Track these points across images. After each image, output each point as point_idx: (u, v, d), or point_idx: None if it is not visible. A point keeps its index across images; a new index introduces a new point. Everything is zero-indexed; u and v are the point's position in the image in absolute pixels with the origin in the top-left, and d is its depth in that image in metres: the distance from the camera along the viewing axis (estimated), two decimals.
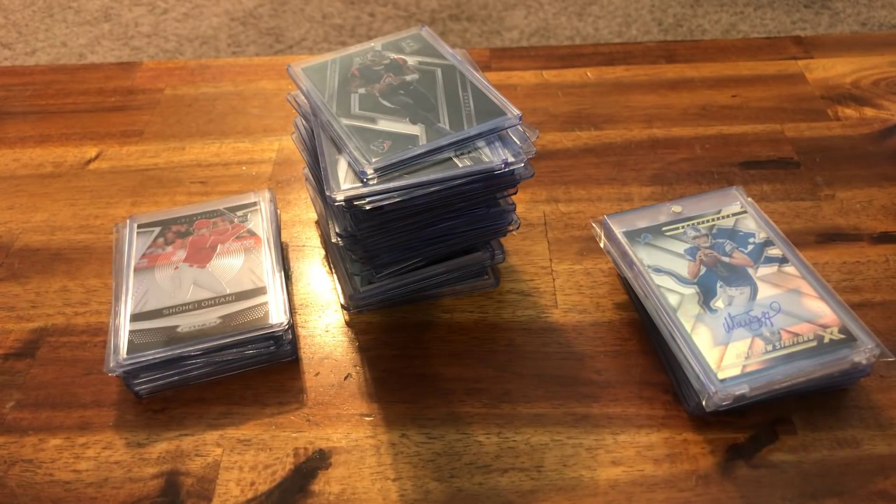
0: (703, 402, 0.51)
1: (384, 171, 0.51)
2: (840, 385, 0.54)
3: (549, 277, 0.63)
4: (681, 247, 0.59)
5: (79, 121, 0.83)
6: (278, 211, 0.66)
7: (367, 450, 0.52)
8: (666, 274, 0.57)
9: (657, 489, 0.49)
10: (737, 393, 0.49)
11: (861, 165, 0.72)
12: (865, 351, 0.51)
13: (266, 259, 0.60)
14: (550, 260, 0.64)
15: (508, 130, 0.54)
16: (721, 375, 0.50)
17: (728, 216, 0.61)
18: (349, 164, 0.52)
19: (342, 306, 0.62)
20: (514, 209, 0.58)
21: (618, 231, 0.60)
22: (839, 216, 0.67)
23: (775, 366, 0.51)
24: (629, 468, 0.50)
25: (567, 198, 0.70)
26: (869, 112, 0.78)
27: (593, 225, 0.62)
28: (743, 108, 0.79)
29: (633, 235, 0.60)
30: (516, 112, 0.54)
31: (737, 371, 0.51)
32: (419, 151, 0.52)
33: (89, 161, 0.78)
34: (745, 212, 0.61)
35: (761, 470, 0.50)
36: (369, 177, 0.50)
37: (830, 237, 0.65)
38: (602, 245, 0.61)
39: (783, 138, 0.75)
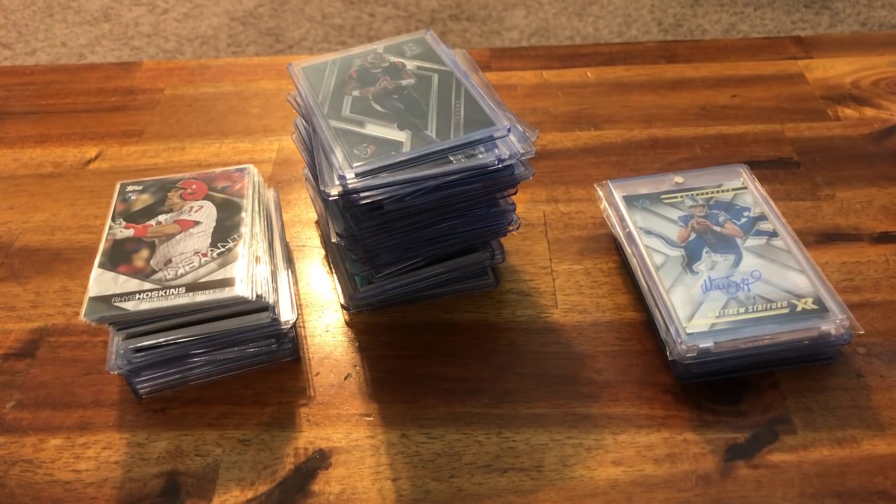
0: (668, 353, 0.52)
1: (365, 176, 0.51)
2: (818, 357, 0.55)
3: (549, 277, 0.63)
4: (675, 213, 0.61)
5: (79, 121, 0.83)
6: (282, 211, 0.66)
7: (367, 450, 0.52)
8: (656, 236, 0.59)
9: (657, 489, 0.49)
10: (701, 346, 0.51)
11: (861, 165, 0.72)
12: (835, 321, 0.52)
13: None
14: (550, 260, 0.64)
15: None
16: (689, 329, 0.52)
17: (728, 190, 0.62)
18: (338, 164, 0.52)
19: (342, 306, 0.61)
20: (514, 209, 0.58)
21: (618, 195, 0.62)
22: (839, 216, 0.67)
23: (744, 327, 0.52)
24: (629, 468, 0.50)
25: (567, 198, 0.70)
26: (869, 112, 0.78)
27: (596, 188, 0.64)
28: (743, 108, 0.79)
29: (631, 200, 0.62)
30: (505, 123, 0.53)
31: (705, 327, 0.52)
32: (401, 158, 0.51)
33: (89, 161, 0.78)
34: (745, 188, 0.62)
35: (761, 470, 0.50)
36: (348, 180, 0.50)
37: (830, 237, 0.65)
38: (602, 208, 0.63)
39: (783, 138, 0.75)
